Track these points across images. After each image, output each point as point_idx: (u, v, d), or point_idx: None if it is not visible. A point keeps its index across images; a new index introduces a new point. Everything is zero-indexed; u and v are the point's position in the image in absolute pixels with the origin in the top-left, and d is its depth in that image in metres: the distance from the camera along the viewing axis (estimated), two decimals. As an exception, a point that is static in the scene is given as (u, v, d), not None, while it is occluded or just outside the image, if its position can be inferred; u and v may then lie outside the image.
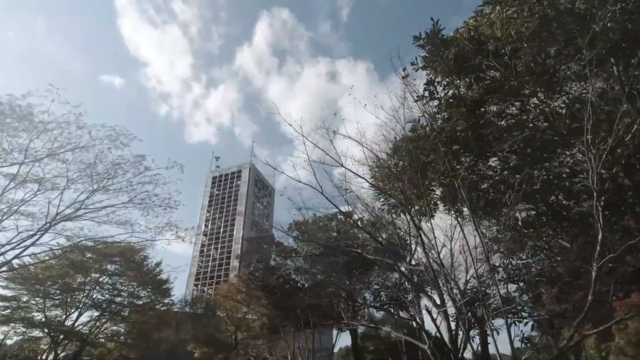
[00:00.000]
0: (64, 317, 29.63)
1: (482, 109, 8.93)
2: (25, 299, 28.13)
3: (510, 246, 11.88)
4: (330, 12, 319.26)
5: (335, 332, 37.16)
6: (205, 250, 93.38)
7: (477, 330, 12.68)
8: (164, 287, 36.38)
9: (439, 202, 11.10)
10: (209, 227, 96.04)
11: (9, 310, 26.66)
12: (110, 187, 21.78)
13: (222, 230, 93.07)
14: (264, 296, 21.19)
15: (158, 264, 36.12)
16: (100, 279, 30.77)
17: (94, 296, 30.75)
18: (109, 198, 22.07)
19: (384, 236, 13.94)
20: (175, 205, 24.19)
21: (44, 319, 28.41)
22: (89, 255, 29.76)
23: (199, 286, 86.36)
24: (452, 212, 11.88)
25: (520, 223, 7.36)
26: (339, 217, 20.28)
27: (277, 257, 20.01)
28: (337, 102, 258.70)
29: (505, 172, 9.24)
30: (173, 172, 23.03)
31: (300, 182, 10.87)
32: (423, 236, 11.52)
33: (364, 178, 10.37)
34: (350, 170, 10.70)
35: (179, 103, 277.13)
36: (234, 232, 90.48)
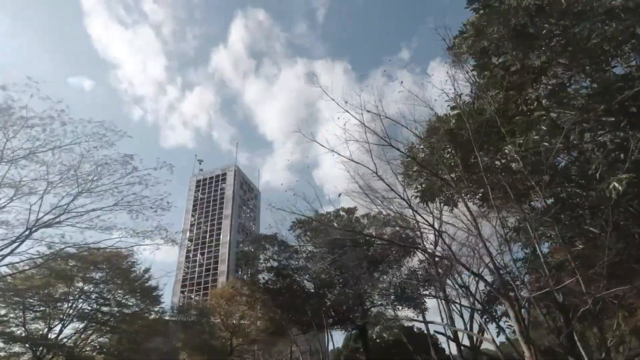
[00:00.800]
0: (46, 330, 27.68)
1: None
2: (3, 312, 26.11)
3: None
4: (306, 12, 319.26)
5: (329, 333, 36.36)
6: (191, 255, 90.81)
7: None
8: (153, 294, 34.73)
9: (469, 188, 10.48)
10: (195, 231, 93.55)
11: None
12: (95, 190, 20.39)
13: (208, 234, 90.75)
14: (270, 298, 20.16)
15: (147, 270, 34.47)
16: (85, 288, 28.99)
17: (78, 306, 28.93)
18: (92, 202, 20.64)
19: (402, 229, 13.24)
20: (168, 206, 22.94)
21: (24, 333, 26.44)
22: (72, 263, 27.98)
23: (185, 293, 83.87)
24: (477, 199, 11.30)
25: (615, 195, 6.73)
26: (341, 213, 19.58)
27: (280, 257, 19.08)
28: (316, 103, 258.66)
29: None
30: (161, 172, 21.73)
31: (353, 161, 9.98)
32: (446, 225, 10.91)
33: (412, 158, 9.53)
34: (398, 150, 9.70)
35: (153, 106, 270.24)
36: (221, 236, 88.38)
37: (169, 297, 76.37)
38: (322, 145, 10.14)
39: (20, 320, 26.82)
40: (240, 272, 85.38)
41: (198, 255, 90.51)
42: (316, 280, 18.55)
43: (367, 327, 18.88)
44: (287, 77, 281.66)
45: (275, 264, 19.14)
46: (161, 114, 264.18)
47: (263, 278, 19.36)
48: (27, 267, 24.47)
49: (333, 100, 9.85)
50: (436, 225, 12.84)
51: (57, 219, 19.72)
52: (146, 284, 34.03)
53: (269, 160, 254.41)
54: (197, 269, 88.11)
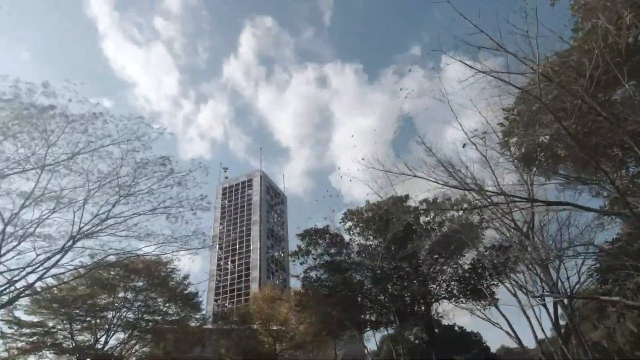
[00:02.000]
0: (92, 340, 27.56)
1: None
2: (51, 324, 26.13)
3: None
4: (312, 16, 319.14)
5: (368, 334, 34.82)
6: (222, 263, 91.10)
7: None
8: (193, 301, 34.27)
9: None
10: (224, 239, 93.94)
11: (36, 337, 24.64)
12: (134, 194, 19.94)
13: (237, 241, 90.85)
14: (325, 296, 18.92)
15: (186, 277, 34.08)
16: (128, 297, 28.73)
17: (122, 316, 28.69)
18: (130, 209, 20.19)
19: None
20: (208, 206, 22.22)
21: (72, 345, 26.37)
22: (113, 272, 27.81)
23: (219, 301, 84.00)
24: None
25: None
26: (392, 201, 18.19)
27: (332, 251, 17.85)
28: (329, 107, 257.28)
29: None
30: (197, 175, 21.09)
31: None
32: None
33: (537, 98, 8.02)
34: (516, 87, 7.94)
35: (170, 121, 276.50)
36: (251, 242, 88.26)
37: (203, 305, 76.51)
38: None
39: (67, 331, 26.79)
40: (272, 278, 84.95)
41: (229, 263, 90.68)
42: (374, 274, 17.21)
43: (432, 323, 17.36)
44: (298, 82, 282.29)
45: (327, 258, 17.91)
46: (178, 127, 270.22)
47: (315, 275, 18.22)
48: (71, 278, 24.39)
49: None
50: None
51: (98, 227, 19.36)
52: (185, 291, 33.64)
53: (286, 166, 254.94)
54: (229, 276, 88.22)
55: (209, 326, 38.48)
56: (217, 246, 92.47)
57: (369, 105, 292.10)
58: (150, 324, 30.23)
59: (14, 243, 17.76)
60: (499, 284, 17.37)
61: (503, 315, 16.47)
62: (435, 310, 18.85)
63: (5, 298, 18.08)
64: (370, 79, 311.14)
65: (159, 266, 30.67)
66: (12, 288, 17.45)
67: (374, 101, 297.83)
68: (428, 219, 17.41)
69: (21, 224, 17.77)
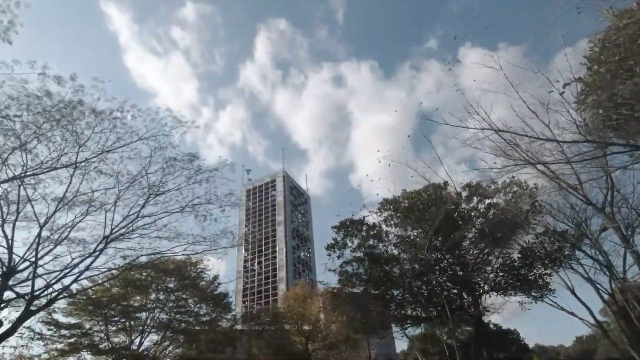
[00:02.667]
0: (128, 342, 27.67)
1: None
2: (88, 325, 26.37)
3: None
4: (325, 15, 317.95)
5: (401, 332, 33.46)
6: (248, 265, 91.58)
7: None
8: (224, 301, 34.07)
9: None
10: (249, 241, 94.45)
11: (74, 339, 24.88)
12: (162, 193, 19.79)
13: (263, 242, 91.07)
14: (365, 291, 17.90)
15: (215, 278, 33.94)
16: (161, 297, 28.73)
17: (156, 316, 28.70)
18: (158, 210, 20.03)
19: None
20: (237, 203, 21.78)
21: (109, 346, 26.54)
22: (145, 273, 27.87)
23: (247, 302, 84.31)
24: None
25: None
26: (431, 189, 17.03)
27: (369, 243, 16.87)
28: (347, 106, 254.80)
29: None
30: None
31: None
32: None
33: None
34: None
35: (190, 128, 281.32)
36: (276, 243, 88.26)
37: (233, 306, 76.98)
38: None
39: (103, 333, 26.99)
40: (298, 278, 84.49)
41: (255, 264, 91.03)
42: (416, 266, 16.12)
43: (482, 318, 16.06)
44: (314, 83, 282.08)
45: (365, 250, 16.88)
46: (198, 134, 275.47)
47: (352, 269, 17.21)
48: (105, 279, 24.53)
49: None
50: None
51: (130, 229, 19.27)
52: (216, 292, 33.48)
53: (304, 168, 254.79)
54: (255, 278, 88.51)
55: (239, 327, 38.29)
56: (243, 248, 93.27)
57: (387, 101, 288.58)
58: (182, 324, 30.16)
59: (50, 247, 17.91)
60: (553, 273, 15.97)
61: (583, 303, 14.89)
62: (483, 303, 17.52)
63: (43, 300, 18.27)
64: (387, 75, 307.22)
65: (189, 266, 30.61)
66: (50, 290, 17.56)
67: (392, 97, 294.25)
68: (471, 204, 16.18)
69: (56, 227, 17.91)
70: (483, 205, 16.63)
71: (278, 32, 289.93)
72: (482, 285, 16.59)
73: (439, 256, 15.69)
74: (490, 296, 17.04)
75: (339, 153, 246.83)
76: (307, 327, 32.71)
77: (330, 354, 32.77)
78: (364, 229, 17.15)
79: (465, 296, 16.71)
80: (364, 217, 17.26)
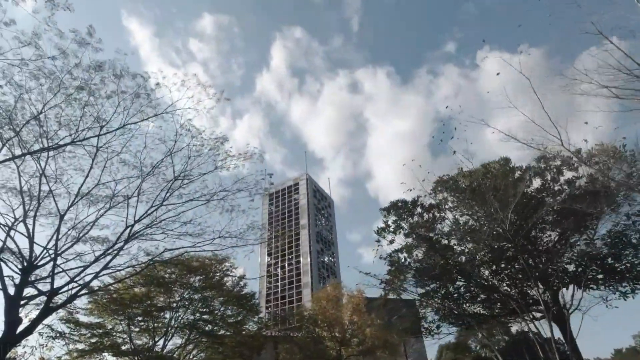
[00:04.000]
0: (151, 343, 25.93)
1: None
2: (110, 325, 24.81)
3: None
4: (341, 23, 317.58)
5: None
6: (272, 270, 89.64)
7: None
8: (250, 302, 32.01)
9: None
10: (273, 245, 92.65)
11: (96, 339, 23.33)
12: (186, 185, 18.13)
13: (287, 246, 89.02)
14: (421, 282, 15.31)
15: (242, 277, 31.97)
16: (186, 296, 26.93)
17: (180, 316, 26.89)
18: (182, 203, 18.35)
19: None
20: (269, 188, 19.88)
21: (132, 347, 24.87)
22: (169, 271, 26.18)
23: (270, 308, 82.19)
24: None
25: None
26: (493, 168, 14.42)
27: (426, 227, 14.30)
28: (363, 113, 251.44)
29: None
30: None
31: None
32: None
33: None
34: None
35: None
36: (300, 247, 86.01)
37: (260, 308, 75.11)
38: None
39: (126, 333, 25.39)
40: (323, 284, 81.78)
41: (279, 269, 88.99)
42: (481, 253, 13.51)
43: (567, 315, 13.10)
44: (330, 90, 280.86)
45: (415, 236, 14.30)
46: (217, 144, 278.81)
47: (405, 258, 14.66)
48: (127, 275, 22.96)
49: None
50: None
51: (154, 218, 17.70)
52: (242, 292, 31.49)
53: (321, 176, 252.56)
54: (279, 282, 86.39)
55: (268, 332, 36.11)
56: (266, 252, 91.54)
57: (404, 107, 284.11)
58: (208, 325, 28.26)
59: (71, 242, 16.50)
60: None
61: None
62: (563, 299, 14.61)
63: (64, 298, 16.82)
64: (403, 80, 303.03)
65: (214, 264, 28.78)
66: (71, 286, 16.05)
67: (409, 103, 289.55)
68: (546, 181, 13.50)
69: (77, 222, 16.49)
70: (560, 182, 13.91)
71: (294, 40, 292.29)
72: (559, 276, 13.75)
73: (509, 245, 13.05)
74: (567, 290, 14.20)
75: (356, 161, 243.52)
76: (339, 331, 30.18)
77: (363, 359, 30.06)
78: (418, 211, 14.66)
79: (541, 289, 13.91)
80: (417, 198, 14.77)
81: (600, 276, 14.65)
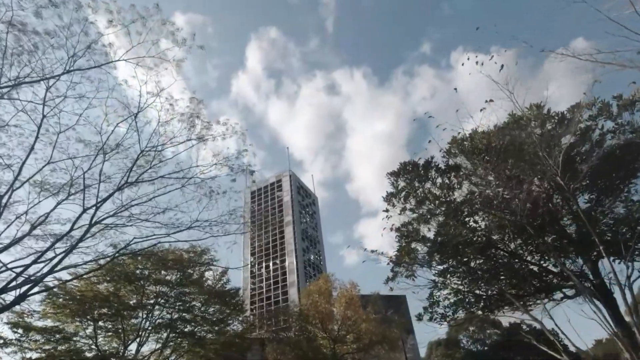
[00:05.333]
0: (122, 348, 22.65)
1: None
2: (71, 329, 21.42)
3: None
4: (316, 23, 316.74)
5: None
6: (255, 270, 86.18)
7: None
8: (234, 300, 29.03)
9: None
10: (256, 245, 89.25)
11: (51, 345, 19.94)
12: (159, 170, 15.31)
13: (271, 245, 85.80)
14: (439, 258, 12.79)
15: (224, 272, 28.93)
16: (162, 290, 23.76)
17: (154, 315, 23.69)
18: (151, 181, 15.50)
19: None
20: (254, 170, 17.10)
21: (99, 353, 21.55)
22: (141, 266, 22.99)
23: (255, 309, 78.78)
24: None
25: None
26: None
27: (442, 193, 11.85)
28: (342, 114, 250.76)
29: None
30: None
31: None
32: None
33: None
34: None
35: (183, 141, 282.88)
36: (285, 245, 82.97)
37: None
38: None
39: (91, 338, 22.03)
40: (310, 283, 79.04)
41: (263, 269, 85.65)
42: (510, 222, 11.18)
43: (612, 292, 10.95)
44: (308, 92, 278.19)
45: (429, 204, 11.74)
46: (192, 148, 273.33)
47: (413, 227, 12.15)
48: (89, 271, 19.71)
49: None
50: None
51: (118, 211, 14.72)
52: (224, 290, 28.48)
53: (302, 178, 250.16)
54: (264, 282, 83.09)
55: (254, 333, 33.18)
56: (249, 251, 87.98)
57: (382, 108, 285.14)
58: (188, 326, 25.15)
59: (22, 235, 13.42)
60: None
61: None
62: (604, 271, 12.55)
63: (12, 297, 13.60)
64: (381, 81, 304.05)
65: (192, 257, 25.71)
66: (20, 283, 12.94)
67: (387, 104, 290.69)
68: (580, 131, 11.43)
69: (28, 212, 13.41)
70: (597, 132, 11.87)
71: (269, 40, 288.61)
72: (608, 242, 11.70)
73: (543, 209, 10.91)
74: (608, 260, 12.13)
75: (336, 162, 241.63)
76: (334, 327, 27.66)
77: (364, 358, 27.58)
78: (433, 174, 12.32)
79: (579, 260, 11.85)
80: (431, 159, 12.41)
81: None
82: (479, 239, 11.96)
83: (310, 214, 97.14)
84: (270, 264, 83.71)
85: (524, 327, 55.54)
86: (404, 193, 12.24)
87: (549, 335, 11.51)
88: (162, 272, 24.30)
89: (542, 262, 12.77)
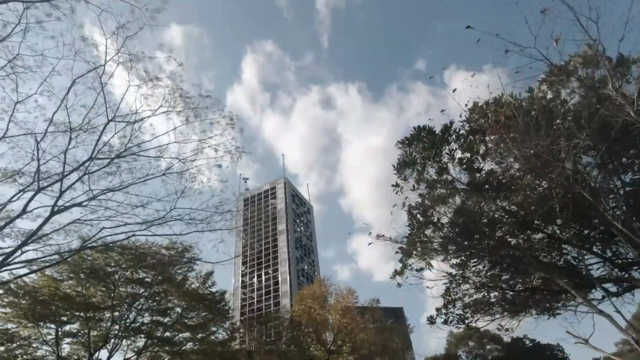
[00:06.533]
0: (87, 356, 19.80)
1: None
2: (25, 332, 18.58)
3: None
4: (311, 39, 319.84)
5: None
6: (247, 280, 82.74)
7: None
8: (219, 305, 26.22)
9: None
10: (248, 253, 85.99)
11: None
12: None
13: (263, 254, 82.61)
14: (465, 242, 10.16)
15: (209, 274, 26.20)
16: (137, 291, 21.06)
17: (128, 320, 20.92)
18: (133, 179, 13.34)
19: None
20: (238, 151, 14.79)
21: (56, 362, 18.71)
22: (112, 262, 20.34)
23: (246, 321, 75.06)
24: None
25: None
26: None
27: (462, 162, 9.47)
28: (336, 128, 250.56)
29: None
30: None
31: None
32: None
33: None
34: None
35: (179, 152, 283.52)
36: (278, 253, 79.86)
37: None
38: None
39: (48, 344, 19.19)
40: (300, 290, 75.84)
41: (255, 279, 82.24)
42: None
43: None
44: (303, 105, 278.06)
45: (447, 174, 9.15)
46: (187, 160, 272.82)
47: (428, 202, 9.55)
48: (49, 264, 17.08)
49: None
50: None
51: (86, 201, 12.56)
52: (210, 295, 25.72)
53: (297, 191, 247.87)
54: (255, 293, 79.61)
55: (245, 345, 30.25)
56: (241, 260, 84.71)
57: (376, 123, 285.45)
58: (166, 332, 22.36)
59: None
60: None
61: None
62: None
63: None
64: (375, 96, 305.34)
65: (173, 253, 23.05)
66: None
67: (381, 119, 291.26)
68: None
69: None
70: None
71: (265, 54, 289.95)
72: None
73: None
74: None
75: (330, 177, 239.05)
76: (329, 337, 24.97)
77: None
78: (453, 138, 10.11)
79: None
80: (450, 123, 10.21)
81: None
82: (511, 218, 9.69)
83: (305, 223, 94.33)
84: (263, 274, 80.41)
85: (527, 342, 52.63)
86: (418, 159, 9.96)
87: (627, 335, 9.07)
88: (138, 270, 21.65)
89: (584, 250, 10.48)
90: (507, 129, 10.38)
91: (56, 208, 12.08)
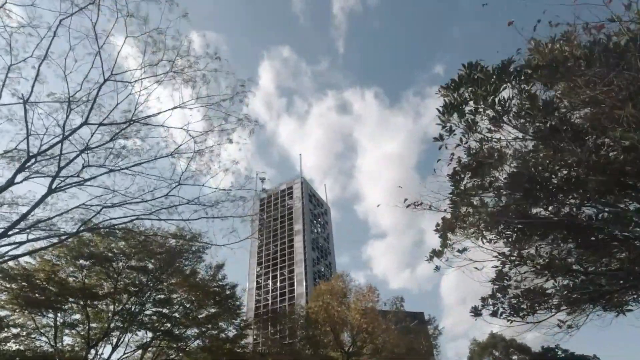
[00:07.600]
0: (85, 347, 18.26)
1: None
2: (20, 319, 17.19)
3: None
4: (327, 45, 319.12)
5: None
6: (262, 281, 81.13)
7: None
8: (230, 300, 24.40)
9: None
10: (263, 254, 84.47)
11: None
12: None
13: (279, 255, 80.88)
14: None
15: (220, 267, 24.47)
16: (141, 280, 19.44)
17: (129, 310, 19.29)
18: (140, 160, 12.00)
19: None
20: (261, 125, 13.52)
21: (55, 356, 17.22)
22: (114, 247, 18.81)
23: (260, 322, 73.22)
24: None
25: None
26: None
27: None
28: (352, 134, 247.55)
29: None
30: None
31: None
32: None
33: None
34: None
35: (195, 156, 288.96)
36: (294, 254, 77.96)
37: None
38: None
39: (48, 334, 17.78)
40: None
41: (270, 280, 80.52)
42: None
43: None
44: (318, 111, 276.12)
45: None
46: (203, 163, 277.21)
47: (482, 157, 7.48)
48: (45, 246, 15.64)
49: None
50: None
51: (82, 183, 11.34)
52: (219, 288, 23.96)
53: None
54: (270, 294, 77.84)
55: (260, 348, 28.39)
56: (256, 261, 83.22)
57: (393, 129, 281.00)
58: (175, 329, 20.67)
59: None
60: None
61: None
62: None
63: None
64: (392, 102, 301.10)
65: (183, 243, 21.43)
66: None
67: (397, 124, 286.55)
68: None
69: None
70: None
71: (281, 59, 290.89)
72: None
73: None
74: None
75: (345, 183, 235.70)
76: (348, 337, 22.76)
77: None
78: (513, 84, 7.96)
79: None
80: (511, 59, 8.07)
81: None
82: (596, 176, 7.41)
83: (322, 224, 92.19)
84: (278, 275, 78.61)
85: (559, 352, 48.41)
86: (471, 100, 7.84)
87: None
88: (144, 258, 20.08)
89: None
90: (578, 70, 8.04)
91: (54, 185, 10.76)
